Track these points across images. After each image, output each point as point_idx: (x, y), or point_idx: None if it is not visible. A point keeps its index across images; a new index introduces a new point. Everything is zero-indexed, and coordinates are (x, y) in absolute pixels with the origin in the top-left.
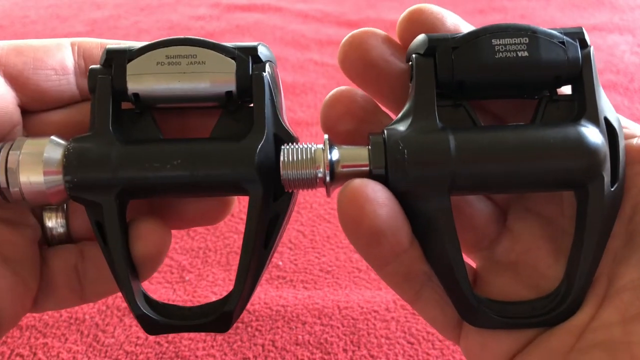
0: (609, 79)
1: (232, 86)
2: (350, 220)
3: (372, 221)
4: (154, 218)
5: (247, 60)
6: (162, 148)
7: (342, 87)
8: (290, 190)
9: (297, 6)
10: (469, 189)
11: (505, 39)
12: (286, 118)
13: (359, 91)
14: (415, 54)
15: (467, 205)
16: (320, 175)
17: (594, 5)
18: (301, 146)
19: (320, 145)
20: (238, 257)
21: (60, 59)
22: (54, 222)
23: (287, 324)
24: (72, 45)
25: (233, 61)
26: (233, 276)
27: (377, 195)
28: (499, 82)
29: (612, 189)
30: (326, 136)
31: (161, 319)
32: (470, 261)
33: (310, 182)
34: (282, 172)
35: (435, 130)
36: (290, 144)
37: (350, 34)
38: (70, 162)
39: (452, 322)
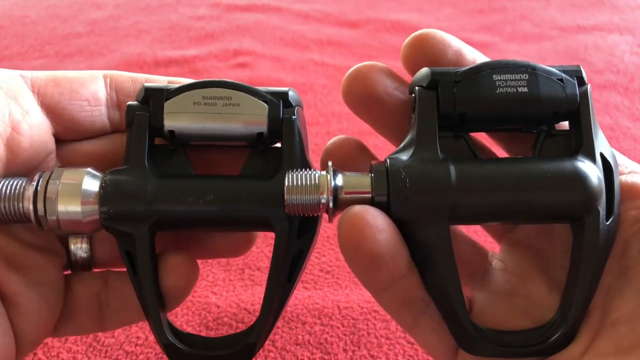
0: (609, 79)
1: (263, 128)
2: (349, 245)
3: (371, 246)
4: (183, 252)
5: (278, 104)
6: (195, 183)
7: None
8: (292, 214)
9: (297, 6)
10: (469, 218)
11: (506, 75)
12: (311, 157)
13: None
14: (418, 86)
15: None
16: (323, 201)
17: (594, 5)
18: (306, 172)
19: (325, 172)
20: (239, 258)
21: (93, 90)
22: (78, 248)
23: (287, 324)
24: (105, 77)
25: (265, 104)
26: (233, 276)
27: (377, 221)
28: (498, 116)
29: (608, 223)
30: (330, 163)
31: (187, 349)
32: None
33: (314, 208)
34: (286, 196)
35: (436, 160)
36: (296, 169)
37: (354, 68)
38: (107, 194)
39: (448, 350)
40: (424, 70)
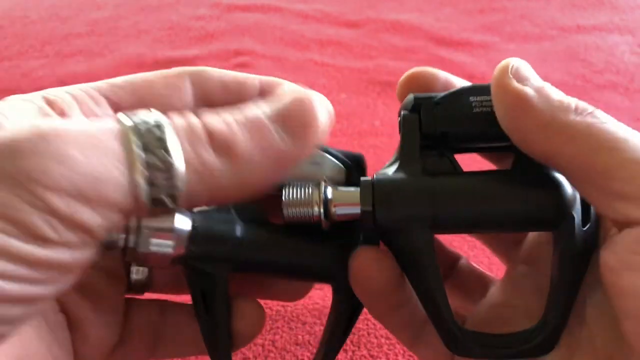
0: (609, 79)
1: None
2: (356, 282)
3: (375, 283)
4: (253, 299)
5: (354, 169)
6: (275, 238)
7: None
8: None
9: (297, 6)
10: (450, 228)
11: (482, 96)
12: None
13: None
14: (403, 110)
15: None
16: (316, 213)
17: (594, 6)
18: (300, 186)
19: (317, 185)
20: None
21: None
22: (139, 272)
23: (287, 324)
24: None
25: (344, 167)
26: None
27: (380, 262)
28: (477, 133)
29: (584, 229)
30: (324, 178)
31: None
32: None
33: (308, 218)
34: (282, 209)
35: (418, 174)
36: (291, 183)
37: (410, 71)
38: (197, 234)
39: None
40: (409, 97)
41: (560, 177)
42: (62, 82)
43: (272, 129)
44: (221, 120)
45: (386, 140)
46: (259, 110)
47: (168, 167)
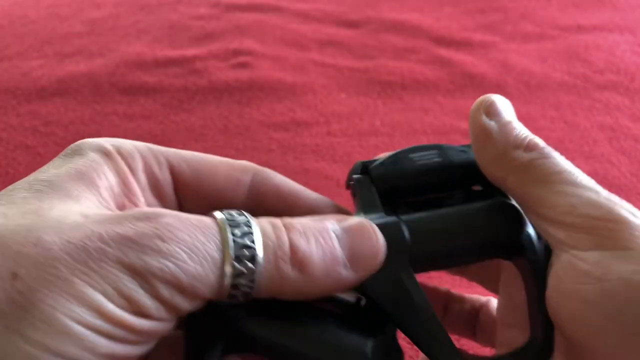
0: (609, 79)
1: None
2: None
3: None
4: None
5: None
6: (301, 328)
7: None
8: None
9: (298, 5)
10: (426, 264)
11: (420, 152)
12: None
13: None
14: (354, 174)
15: None
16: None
17: (594, 5)
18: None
19: None
20: None
21: None
22: None
23: None
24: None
25: None
26: None
27: None
28: (424, 183)
29: (542, 243)
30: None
31: None
32: None
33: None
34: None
35: (383, 216)
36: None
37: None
38: None
39: None
40: (356, 163)
41: (506, 201)
42: (62, 82)
43: (341, 261)
44: (305, 240)
45: (387, 140)
46: (334, 236)
47: (251, 274)
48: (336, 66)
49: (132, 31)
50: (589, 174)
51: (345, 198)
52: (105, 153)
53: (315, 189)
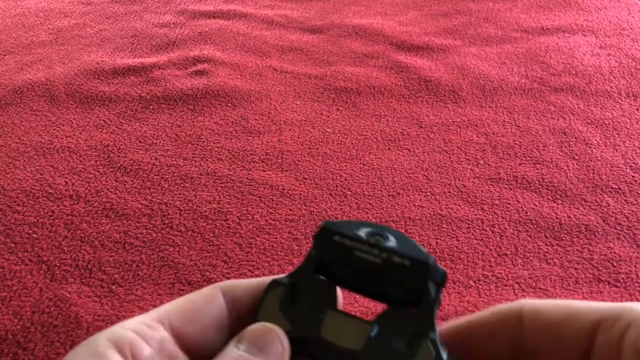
0: (566, 82)
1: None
2: None
3: None
4: None
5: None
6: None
7: None
8: None
9: (263, 12)
10: None
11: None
12: None
13: None
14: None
15: None
16: None
17: (560, 7)
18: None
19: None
20: (171, 271)
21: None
22: None
23: None
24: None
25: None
26: (162, 291)
27: None
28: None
29: None
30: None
31: None
32: None
33: None
34: None
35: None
36: None
37: None
38: None
39: None
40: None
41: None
42: (19, 92)
43: None
44: None
45: (336, 148)
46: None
47: None
48: (294, 73)
49: (95, 40)
50: (536, 179)
51: (287, 206)
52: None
53: (259, 198)
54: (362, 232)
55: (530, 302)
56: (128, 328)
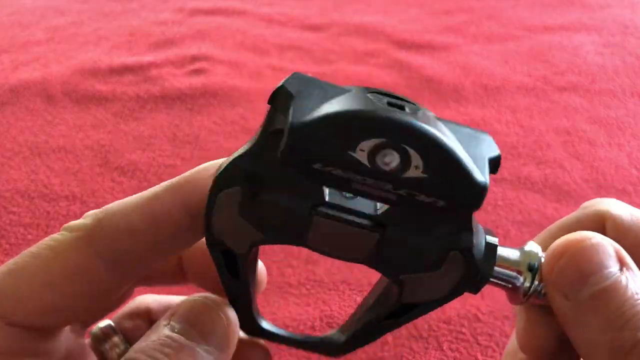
0: (569, 81)
1: None
2: None
3: None
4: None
5: None
6: None
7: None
8: None
9: (263, 9)
10: None
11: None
12: None
13: None
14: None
15: None
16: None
17: (563, 5)
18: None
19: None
20: None
21: None
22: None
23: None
24: None
25: None
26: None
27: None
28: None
29: None
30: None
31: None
32: None
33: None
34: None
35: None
36: None
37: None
38: None
39: None
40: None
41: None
42: (15, 91)
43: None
44: None
45: None
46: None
47: None
48: (294, 71)
49: (92, 38)
50: (540, 179)
51: None
52: None
53: None
54: (361, 144)
55: (613, 208)
56: None
